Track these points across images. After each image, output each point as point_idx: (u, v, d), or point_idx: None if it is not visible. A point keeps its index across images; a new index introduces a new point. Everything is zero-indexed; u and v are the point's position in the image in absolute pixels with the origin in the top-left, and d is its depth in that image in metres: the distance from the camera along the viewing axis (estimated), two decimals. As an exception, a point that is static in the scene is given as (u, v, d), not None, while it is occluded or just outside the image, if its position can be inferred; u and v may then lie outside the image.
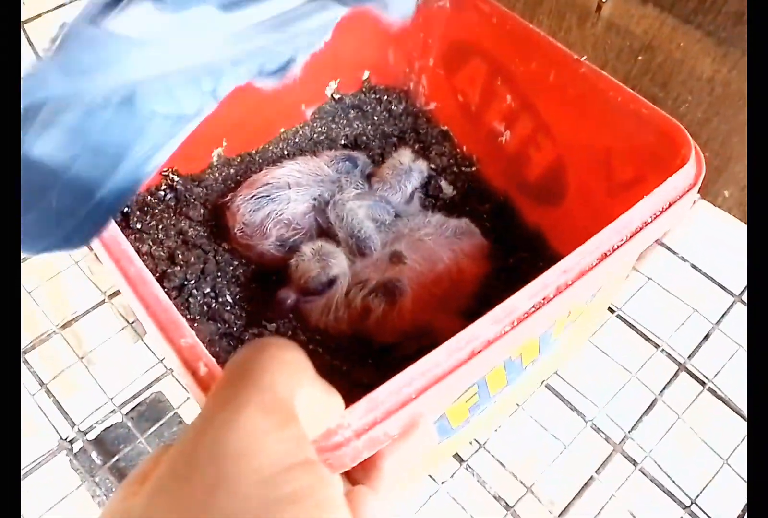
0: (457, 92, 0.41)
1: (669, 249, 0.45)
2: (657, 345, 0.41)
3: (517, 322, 0.23)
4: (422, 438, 0.22)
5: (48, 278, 0.41)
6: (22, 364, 0.36)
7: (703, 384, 0.40)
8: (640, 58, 0.45)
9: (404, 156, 0.39)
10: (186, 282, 0.34)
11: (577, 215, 0.37)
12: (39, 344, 0.37)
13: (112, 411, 0.35)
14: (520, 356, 0.30)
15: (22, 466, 0.33)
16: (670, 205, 0.27)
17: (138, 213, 0.36)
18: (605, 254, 0.25)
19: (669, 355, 0.41)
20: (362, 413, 0.20)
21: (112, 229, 0.25)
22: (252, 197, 0.37)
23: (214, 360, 0.22)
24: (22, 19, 0.49)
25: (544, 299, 0.24)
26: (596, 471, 0.36)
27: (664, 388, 0.39)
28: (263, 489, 0.15)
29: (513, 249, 0.39)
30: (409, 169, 0.38)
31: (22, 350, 0.36)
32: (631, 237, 0.26)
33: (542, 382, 0.39)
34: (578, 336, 0.39)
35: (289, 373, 0.17)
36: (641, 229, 0.26)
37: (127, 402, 0.36)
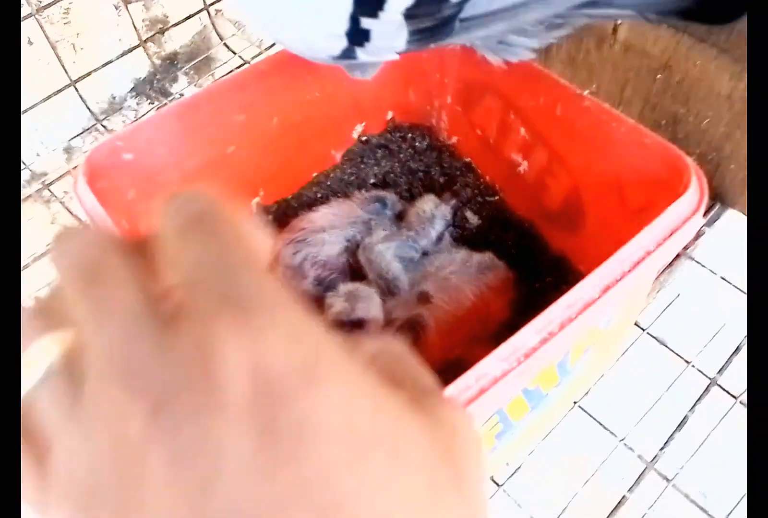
0: (476, 126, 0.42)
1: (697, 262, 0.46)
2: (687, 361, 0.42)
3: (524, 358, 0.25)
4: None
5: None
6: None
7: (734, 398, 0.41)
8: (659, 76, 0.46)
9: (427, 203, 0.41)
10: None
11: (598, 239, 0.38)
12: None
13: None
14: (538, 385, 0.32)
15: None
16: (672, 232, 0.28)
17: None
18: (608, 286, 0.27)
19: (700, 371, 0.42)
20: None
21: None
22: (291, 242, 0.40)
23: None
24: (73, 78, 0.52)
25: (549, 334, 0.26)
26: (629, 490, 0.38)
27: (695, 404, 0.41)
28: None
29: (539, 274, 0.40)
30: (432, 217, 0.40)
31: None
32: (633, 267, 0.27)
33: (575, 403, 0.41)
34: (604, 356, 0.41)
35: None
36: (644, 258, 0.27)
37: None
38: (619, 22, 0.45)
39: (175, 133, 0.36)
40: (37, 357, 0.14)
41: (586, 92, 0.34)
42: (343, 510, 0.12)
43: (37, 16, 0.50)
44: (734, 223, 0.48)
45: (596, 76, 0.50)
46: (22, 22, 0.50)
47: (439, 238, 0.41)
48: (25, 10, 0.50)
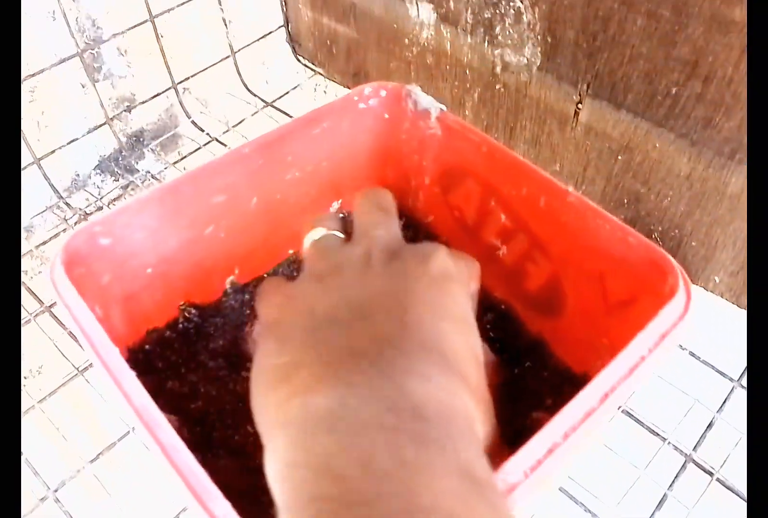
0: (453, 208, 0.43)
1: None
2: (664, 439, 0.42)
3: (531, 471, 0.25)
4: None
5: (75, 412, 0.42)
6: (54, 504, 0.37)
7: (710, 474, 0.41)
8: (620, 157, 0.48)
9: None
10: (207, 416, 0.36)
11: (578, 326, 0.38)
12: (68, 481, 0.38)
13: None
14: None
15: None
16: (663, 336, 0.28)
17: (158, 349, 0.38)
18: (606, 394, 0.27)
19: (675, 447, 0.42)
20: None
21: (142, 397, 0.27)
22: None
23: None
24: (38, 156, 0.52)
25: (553, 445, 0.25)
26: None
27: (672, 482, 0.41)
28: None
29: (516, 358, 0.40)
30: None
31: (53, 489, 0.38)
32: (629, 373, 0.28)
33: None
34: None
35: None
36: (638, 364, 0.28)
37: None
38: (580, 106, 0.48)
39: (154, 217, 0.36)
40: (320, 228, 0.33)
41: (570, 189, 0.35)
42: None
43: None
44: (698, 299, 0.49)
45: (559, 156, 0.52)
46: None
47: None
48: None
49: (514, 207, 0.39)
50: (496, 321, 0.42)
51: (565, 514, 0.40)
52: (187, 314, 0.40)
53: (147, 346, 0.38)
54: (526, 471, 0.25)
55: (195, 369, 0.38)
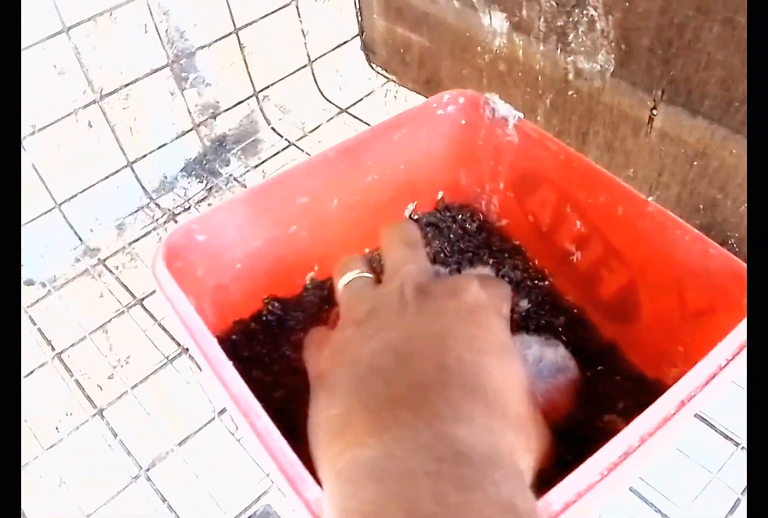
0: (528, 213, 0.44)
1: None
2: (737, 444, 0.42)
3: (607, 472, 0.26)
4: None
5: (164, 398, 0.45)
6: (146, 482, 0.40)
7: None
8: (695, 163, 0.48)
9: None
10: (290, 405, 0.38)
11: (653, 333, 0.39)
12: (158, 461, 0.41)
13: (228, 527, 0.38)
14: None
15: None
16: (741, 349, 0.29)
17: (244, 340, 0.40)
18: (683, 402, 0.27)
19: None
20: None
21: (238, 383, 0.29)
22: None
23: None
24: (130, 159, 0.55)
25: (607, 470, 0.26)
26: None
27: (747, 488, 0.40)
28: None
29: (589, 362, 0.41)
30: None
31: (145, 468, 0.40)
32: (707, 382, 0.28)
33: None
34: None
35: None
36: (716, 373, 0.28)
37: (239, 515, 0.39)
38: (654, 112, 0.48)
39: (243, 216, 0.38)
40: (352, 269, 0.34)
41: (650, 199, 0.35)
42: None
43: (100, 102, 0.54)
44: None
45: (633, 162, 0.52)
46: (85, 108, 0.53)
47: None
48: (88, 98, 0.53)
49: (590, 214, 0.40)
50: (568, 325, 0.42)
51: (635, 515, 0.41)
52: (270, 307, 0.42)
53: (234, 336, 0.41)
54: (603, 471, 0.26)
55: (278, 360, 0.40)
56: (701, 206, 0.50)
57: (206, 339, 0.30)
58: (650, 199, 0.35)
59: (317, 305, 0.43)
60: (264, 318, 0.42)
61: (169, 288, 0.33)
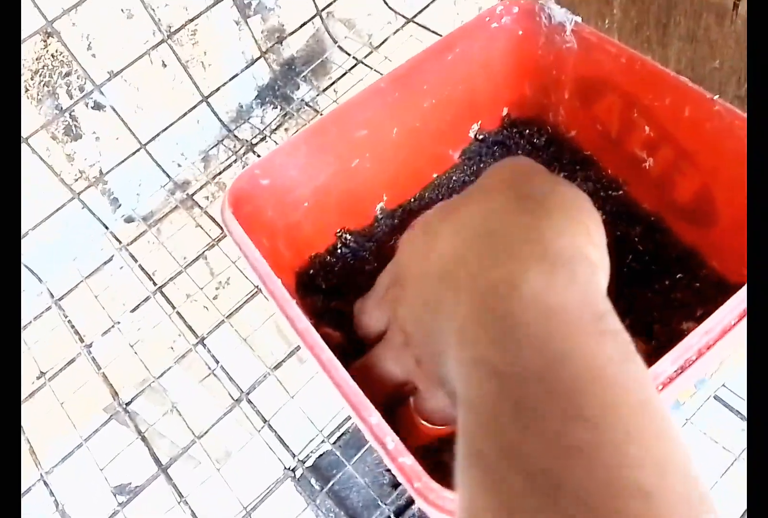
0: (596, 122, 0.42)
1: None
2: None
3: (662, 386, 0.26)
4: None
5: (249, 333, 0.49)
6: (247, 404, 0.44)
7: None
8: (790, 48, 0.43)
9: None
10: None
11: (733, 236, 0.37)
12: (257, 385, 0.45)
13: (322, 442, 0.42)
14: (676, 399, 0.32)
15: (257, 494, 0.41)
16: None
17: (322, 273, 0.43)
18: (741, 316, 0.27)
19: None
20: None
21: (304, 321, 0.31)
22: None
23: (398, 438, 0.27)
24: (205, 94, 0.56)
25: (686, 362, 0.27)
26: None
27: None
28: None
29: (667, 270, 0.40)
30: None
31: (245, 391, 0.45)
32: None
33: (708, 396, 0.41)
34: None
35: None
36: None
37: (333, 432, 0.43)
38: (742, -6, 0.43)
39: (304, 156, 0.39)
40: None
41: (716, 97, 0.33)
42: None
43: (168, 41, 0.55)
44: None
45: (718, 52, 0.48)
46: (156, 49, 0.55)
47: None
48: (157, 38, 0.54)
49: (658, 117, 0.37)
50: (645, 234, 0.41)
51: (719, 421, 0.41)
52: (343, 240, 0.44)
53: (311, 270, 0.43)
54: (658, 385, 0.26)
55: (355, 290, 0.42)
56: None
57: (272, 281, 0.32)
58: (716, 97, 0.33)
59: (388, 234, 0.44)
60: (339, 250, 0.44)
61: (236, 233, 0.35)
